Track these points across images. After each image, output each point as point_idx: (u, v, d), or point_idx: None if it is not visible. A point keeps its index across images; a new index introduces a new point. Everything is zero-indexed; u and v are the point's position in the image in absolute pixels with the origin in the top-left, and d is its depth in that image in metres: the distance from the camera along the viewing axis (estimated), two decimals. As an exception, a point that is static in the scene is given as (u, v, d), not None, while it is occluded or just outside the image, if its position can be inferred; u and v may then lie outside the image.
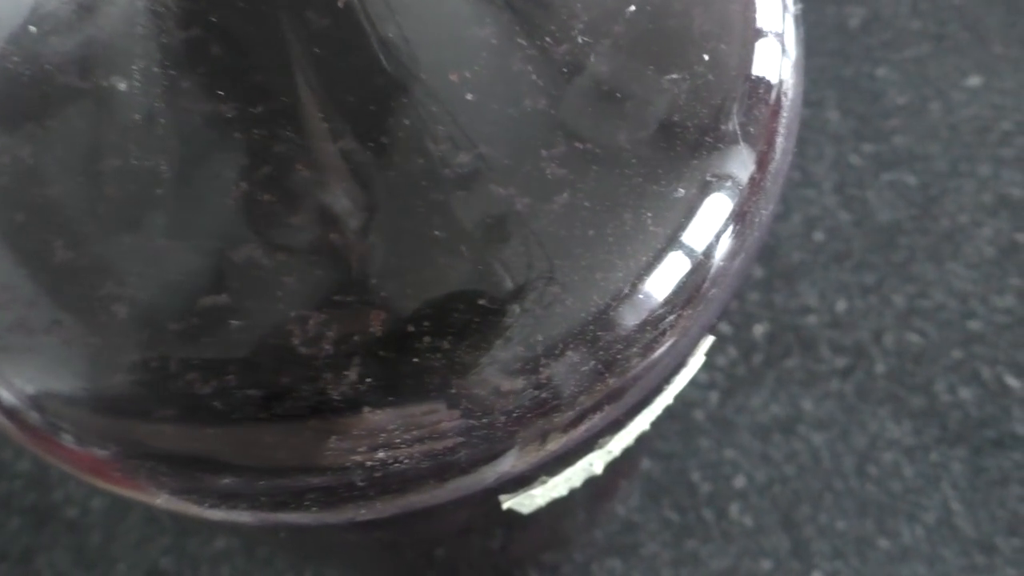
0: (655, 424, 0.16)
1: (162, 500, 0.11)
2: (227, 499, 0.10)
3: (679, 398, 0.28)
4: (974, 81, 0.33)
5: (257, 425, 0.10)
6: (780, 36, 0.12)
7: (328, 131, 0.10)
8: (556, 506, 0.15)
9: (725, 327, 0.31)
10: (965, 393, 0.29)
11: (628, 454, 0.16)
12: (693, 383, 0.30)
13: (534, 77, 0.10)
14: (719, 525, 0.28)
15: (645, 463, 0.29)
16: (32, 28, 0.10)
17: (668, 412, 0.20)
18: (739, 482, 0.29)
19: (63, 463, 0.11)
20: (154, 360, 0.10)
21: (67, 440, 0.11)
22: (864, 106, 0.33)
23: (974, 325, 0.30)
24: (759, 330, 0.31)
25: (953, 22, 0.34)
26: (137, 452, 0.10)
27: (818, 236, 0.32)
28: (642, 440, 0.16)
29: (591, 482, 0.15)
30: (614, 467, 0.16)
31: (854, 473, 0.29)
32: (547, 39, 0.10)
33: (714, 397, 0.30)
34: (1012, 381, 0.29)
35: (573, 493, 0.15)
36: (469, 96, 0.10)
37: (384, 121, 0.10)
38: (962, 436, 0.29)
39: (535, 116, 0.10)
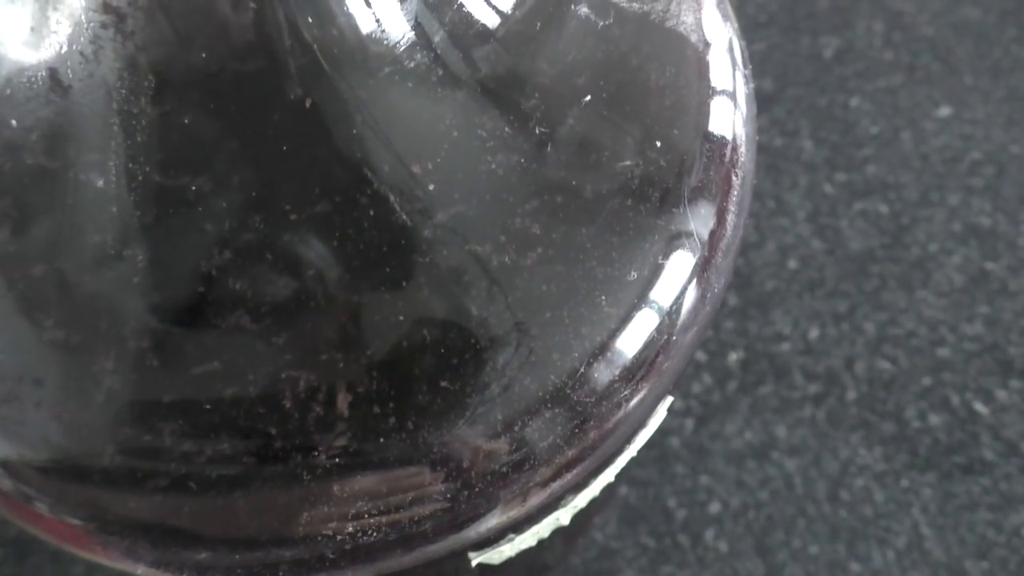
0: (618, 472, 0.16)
1: (141, 571, 0.11)
2: (202, 571, 0.11)
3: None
4: (945, 111, 0.34)
5: (229, 499, 0.10)
6: (734, 112, 0.13)
7: (298, 207, 0.11)
8: (529, 551, 0.16)
9: (700, 355, 0.32)
10: (935, 419, 0.30)
11: (595, 501, 0.16)
12: (669, 411, 0.31)
13: (493, 167, 0.11)
14: (695, 551, 0.29)
15: (622, 490, 0.30)
16: (11, 121, 0.10)
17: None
18: (714, 508, 0.30)
19: (37, 531, 0.12)
20: (127, 433, 0.11)
21: (40, 508, 0.11)
22: (837, 135, 0.34)
23: (943, 352, 0.31)
24: (733, 358, 0.31)
25: (925, 53, 0.35)
26: (110, 524, 0.11)
27: (792, 264, 0.33)
28: (608, 489, 0.17)
29: (560, 530, 0.16)
30: (582, 513, 0.16)
31: (826, 498, 0.29)
32: (506, 129, 0.11)
33: (689, 424, 0.31)
34: (980, 407, 0.30)
35: (542, 541, 0.16)
36: (431, 187, 0.11)
37: (350, 207, 0.11)
38: (932, 462, 0.30)
39: (495, 205, 0.11)
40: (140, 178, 0.10)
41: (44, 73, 0.10)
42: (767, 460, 0.30)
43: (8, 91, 0.10)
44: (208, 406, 0.11)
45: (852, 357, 0.31)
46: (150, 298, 0.11)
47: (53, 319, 0.11)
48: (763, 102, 0.35)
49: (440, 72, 0.11)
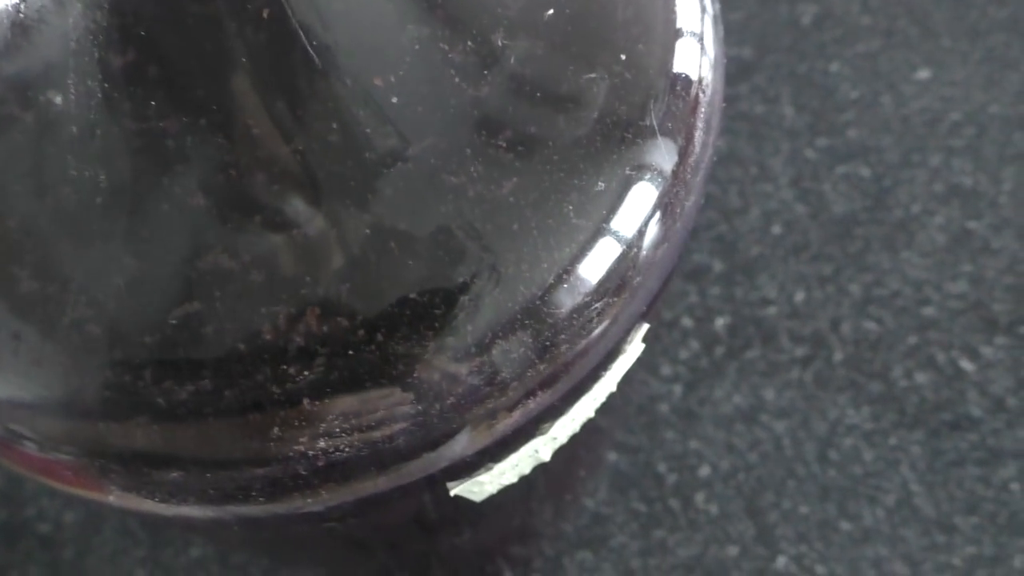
0: (602, 411, 0.16)
1: (113, 497, 0.11)
2: (175, 493, 0.11)
3: (642, 392, 0.29)
4: (924, 74, 0.34)
5: (199, 419, 0.10)
6: (699, 35, 0.13)
7: (261, 137, 0.11)
8: (511, 495, 0.16)
9: (687, 321, 0.32)
10: (921, 378, 0.30)
11: (578, 442, 0.16)
12: (657, 376, 0.31)
13: (456, 80, 0.11)
14: (686, 514, 0.29)
15: (612, 456, 0.30)
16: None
17: (631, 407, 0.21)
18: (704, 472, 0.30)
19: (10, 462, 0.12)
20: (98, 362, 0.11)
21: (14, 440, 0.11)
22: (818, 101, 0.34)
23: (928, 311, 0.31)
24: (720, 323, 0.31)
25: (902, 17, 0.35)
26: (84, 451, 0.11)
27: (776, 229, 0.33)
28: (592, 429, 0.16)
29: (543, 470, 0.16)
30: (566, 455, 0.16)
31: (815, 459, 0.30)
32: (468, 42, 0.11)
33: (678, 390, 0.31)
34: (966, 365, 0.30)
35: (526, 481, 0.16)
36: (394, 99, 0.11)
37: (317, 122, 0.11)
38: (919, 420, 0.30)
39: (457, 117, 0.11)
40: (99, 97, 0.10)
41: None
42: (756, 423, 0.30)
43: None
44: (172, 328, 0.10)
45: (838, 319, 0.31)
46: (114, 231, 0.11)
47: (25, 263, 0.11)
48: (743, 70, 0.35)
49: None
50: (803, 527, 0.29)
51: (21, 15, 0.10)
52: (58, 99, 0.10)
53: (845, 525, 0.29)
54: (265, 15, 0.10)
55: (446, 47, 0.11)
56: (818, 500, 0.29)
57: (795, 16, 0.36)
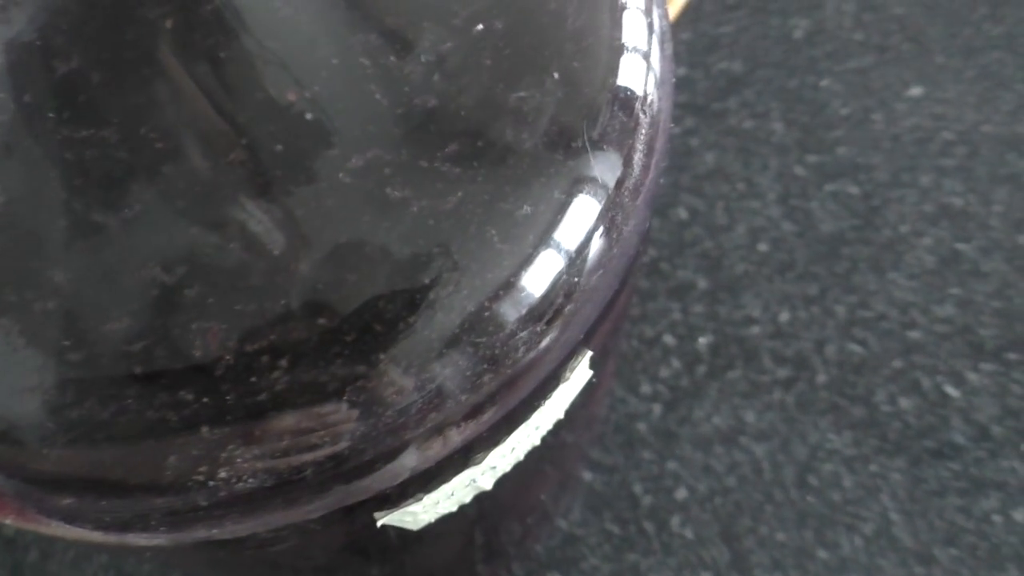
0: (566, 433, 0.16)
1: (11, 519, 0.11)
2: (71, 519, 0.10)
3: (620, 411, 0.28)
4: (916, 91, 0.34)
5: (96, 445, 0.10)
6: (644, 53, 0.12)
7: (195, 148, 0.10)
8: (458, 521, 0.15)
9: (669, 338, 0.31)
10: (905, 403, 0.30)
11: (530, 468, 0.16)
12: (636, 395, 0.30)
13: (377, 96, 0.10)
14: (660, 538, 0.28)
15: (587, 476, 0.29)
16: None
17: (590, 423, 0.20)
18: (681, 494, 0.29)
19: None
20: (7, 381, 0.10)
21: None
22: (808, 117, 0.34)
23: (914, 335, 0.30)
24: (703, 342, 0.31)
25: (896, 33, 0.35)
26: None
27: (762, 247, 0.32)
28: (544, 454, 0.16)
29: (491, 496, 0.15)
30: (516, 482, 0.16)
31: (794, 484, 0.29)
32: (392, 57, 0.10)
33: (657, 409, 0.30)
34: (951, 390, 0.30)
35: (473, 508, 0.15)
36: (309, 115, 0.10)
37: (252, 134, 0.10)
38: (901, 446, 0.29)
39: (377, 134, 0.10)
40: (40, 125, 0.10)
41: None
42: (735, 445, 0.30)
43: None
44: (79, 349, 0.10)
45: (822, 340, 0.31)
46: (50, 251, 0.10)
47: None
48: (732, 84, 0.34)
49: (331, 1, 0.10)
50: (779, 554, 0.28)
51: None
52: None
53: (822, 553, 0.28)
54: (201, 25, 0.09)
55: (368, 61, 0.10)
56: (795, 527, 0.28)
57: (787, 30, 0.35)
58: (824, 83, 0.34)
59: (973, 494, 0.28)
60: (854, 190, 0.32)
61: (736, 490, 0.29)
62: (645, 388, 0.31)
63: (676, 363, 0.31)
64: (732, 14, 0.35)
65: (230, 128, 0.10)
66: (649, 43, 0.12)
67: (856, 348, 0.30)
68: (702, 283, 0.32)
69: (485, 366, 0.11)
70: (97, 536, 0.11)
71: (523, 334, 0.11)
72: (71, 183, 0.10)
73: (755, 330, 0.31)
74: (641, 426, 0.30)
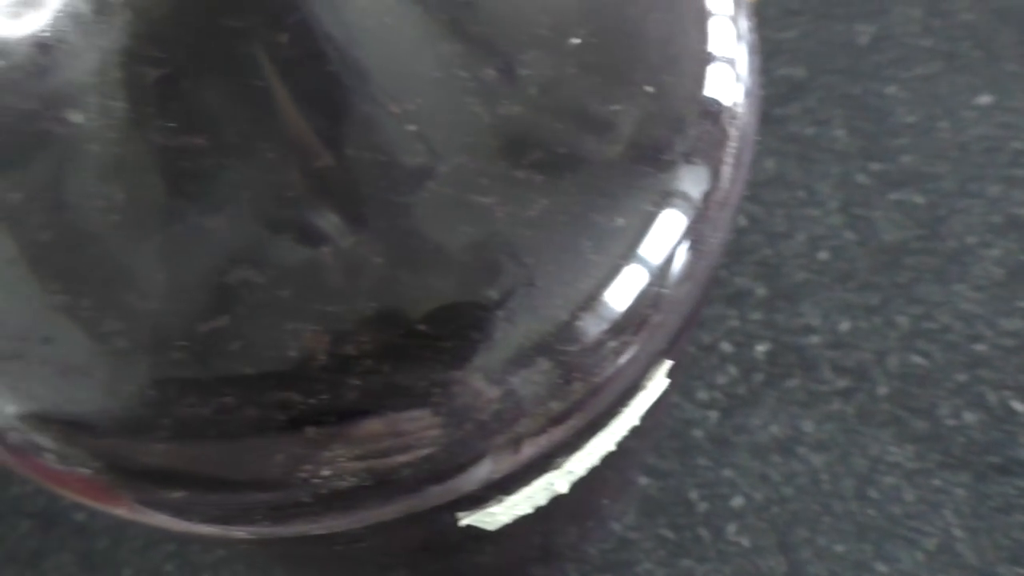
0: (632, 439, 0.16)
1: (124, 510, 0.11)
2: (181, 512, 0.11)
3: (676, 417, 0.28)
4: (984, 100, 0.33)
5: (206, 441, 0.10)
6: (732, 64, 0.12)
7: (289, 154, 0.10)
8: (529, 522, 0.16)
9: (726, 346, 0.31)
10: (969, 417, 0.29)
11: (599, 473, 0.16)
12: (692, 402, 0.30)
13: (476, 108, 0.11)
14: (715, 545, 0.28)
15: (643, 481, 0.29)
16: None
17: (653, 429, 0.20)
18: (737, 502, 0.29)
19: (28, 472, 0.12)
20: (118, 377, 0.11)
21: (33, 451, 0.11)
22: (872, 125, 0.33)
23: (980, 348, 0.30)
24: (760, 349, 0.31)
25: (964, 40, 0.34)
26: (91, 465, 0.11)
27: (822, 255, 0.32)
28: (617, 456, 0.16)
29: (562, 499, 0.15)
30: (587, 486, 0.16)
31: (853, 496, 0.29)
32: (490, 70, 0.11)
33: (713, 416, 0.30)
34: (1018, 406, 0.29)
35: (544, 510, 0.15)
36: (412, 127, 0.10)
37: (345, 141, 0.10)
38: (965, 461, 0.28)
39: (476, 146, 0.11)
40: (136, 132, 0.10)
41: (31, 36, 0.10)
42: (792, 455, 0.29)
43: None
44: (187, 349, 0.10)
45: (884, 351, 0.30)
46: (140, 249, 0.11)
47: (58, 276, 0.11)
48: (795, 90, 0.34)
49: (422, 8, 0.11)
50: (837, 566, 0.28)
51: (45, 34, 0.10)
52: (80, 118, 0.10)
53: (881, 567, 0.28)
54: (296, 36, 0.10)
55: (467, 74, 0.11)
56: (854, 539, 0.28)
57: (851, 36, 0.35)
58: (889, 90, 0.34)
59: (1040, 512, 0.27)
60: (919, 199, 0.32)
61: (793, 500, 0.29)
62: (702, 395, 0.31)
63: (733, 370, 0.31)
64: (795, 19, 0.35)
65: (324, 135, 0.10)
66: (737, 53, 0.12)
67: (919, 360, 0.30)
68: (760, 290, 0.32)
69: (576, 374, 0.11)
70: (202, 528, 0.11)
71: (612, 344, 0.11)
72: (171, 188, 0.11)
73: (814, 339, 0.31)
74: (697, 432, 0.30)
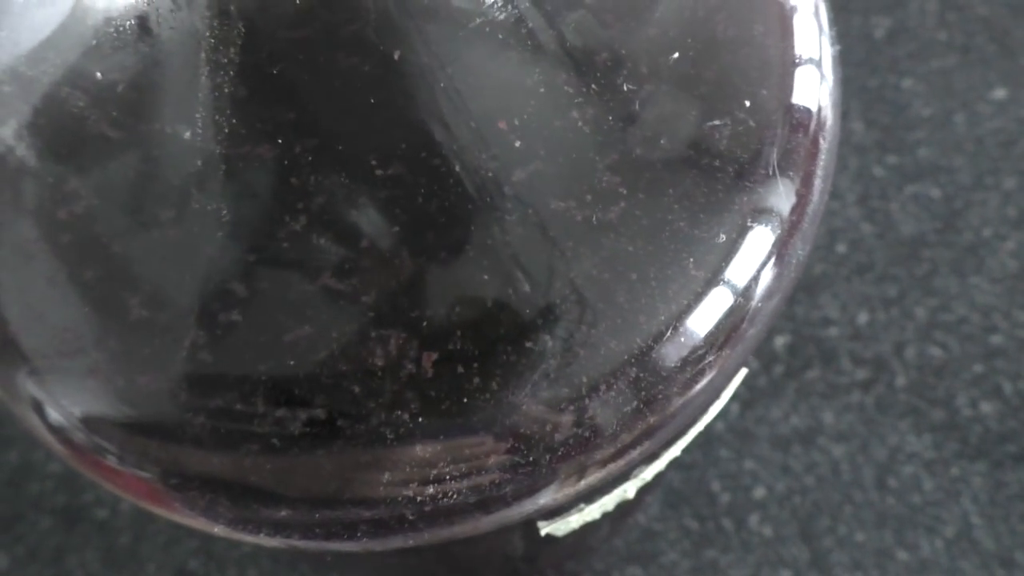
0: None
1: (218, 529, 0.11)
2: (280, 528, 0.11)
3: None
4: (1000, 93, 0.33)
5: (311, 457, 0.10)
6: (820, 73, 0.12)
7: (381, 175, 0.10)
8: (592, 526, 0.16)
9: (746, 338, 0.31)
10: (986, 407, 0.30)
11: (659, 477, 0.16)
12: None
13: (580, 124, 0.11)
14: (738, 535, 0.29)
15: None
16: (98, 74, 0.10)
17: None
18: (759, 493, 0.29)
19: (113, 486, 0.12)
20: (204, 387, 0.11)
21: (113, 462, 0.11)
22: (888, 117, 0.33)
23: (996, 339, 0.30)
24: (780, 342, 0.31)
25: (980, 34, 0.34)
26: (191, 480, 0.11)
27: (840, 248, 0.32)
28: (672, 463, 0.16)
29: (624, 504, 0.15)
30: (644, 489, 0.16)
31: (874, 486, 0.29)
32: (592, 87, 0.11)
33: (734, 408, 0.30)
34: (1034, 396, 0.30)
35: (608, 514, 0.15)
36: (517, 143, 0.10)
37: (436, 164, 0.10)
38: (983, 450, 0.29)
39: (580, 163, 0.11)
40: (226, 131, 0.10)
41: (132, 21, 0.10)
42: (813, 446, 0.30)
43: (94, 41, 0.10)
44: (290, 367, 0.10)
45: (902, 343, 0.31)
46: (233, 259, 0.11)
47: (130, 277, 0.11)
48: (812, 83, 0.34)
49: (527, 27, 0.10)
50: (859, 554, 0.28)
51: (145, 47, 0.10)
52: (187, 133, 0.10)
53: (902, 555, 0.28)
54: (396, 56, 0.10)
55: (572, 91, 0.11)
56: (875, 528, 0.28)
57: (868, 29, 0.35)
58: (905, 83, 0.34)
59: (1057, 500, 0.28)
60: (935, 192, 0.32)
61: (814, 490, 0.29)
62: (722, 387, 0.31)
63: (754, 362, 0.31)
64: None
65: (415, 149, 0.10)
66: (824, 56, 0.12)
67: (936, 351, 0.30)
68: (779, 283, 0.32)
69: (674, 388, 0.11)
70: (301, 544, 0.11)
71: (709, 358, 0.11)
72: (248, 195, 0.11)
73: (833, 331, 0.31)
74: (719, 424, 0.30)
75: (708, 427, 0.30)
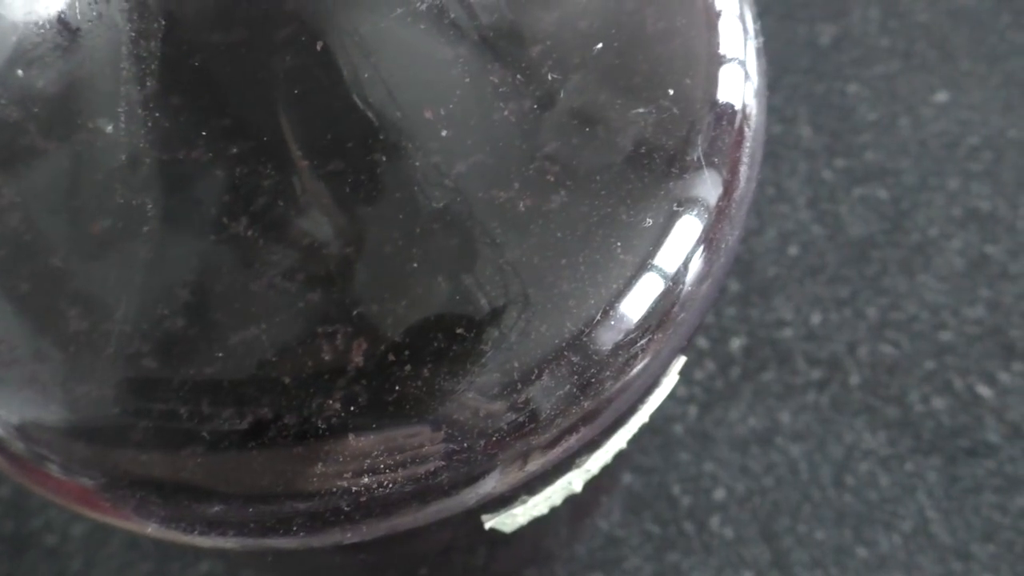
0: (632, 440, 0.16)
1: (151, 529, 0.11)
2: (215, 526, 0.11)
3: (658, 413, 0.29)
4: (942, 97, 0.34)
5: (243, 453, 0.10)
6: (743, 64, 0.13)
7: (307, 167, 0.10)
8: (537, 523, 0.16)
9: (703, 341, 0.31)
10: (938, 403, 0.30)
11: (606, 471, 0.16)
12: (672, 397, 0.31)
13: (506, 113, 0.11)
14: (700, 537, 0.29)
15: (626, 478, 0.30)
16: (18, 71, 0.10)
17: (646, 428, 0.20)
18: (719, 495, 0.29)
19: (49, 493, 0.11)
20: (139, 390, 0.10)
21: (52, 469, 0.11)
22: (836, 122, 0.34)
23: (945, 336, 0.31)
24: (736, 344, 0.31)
25: (921, 40, 0.35)
26: (123, 481, 0.11)
27: (793, 250, 0.33)
28: (620, 456, 0.16)
29: (571, 499, 0.15)
30: (594, 484, 0.16)
31: (831, 483, 0.29)
32: (518, 76, 0.11)
33: (693, 411, 0.31)
34: (983, 390, 0.30)
35: (554, 510, 0.15)
36: (444, 132, 0.10)
37: (362, 154, 0.10)
38: (936, 445, 0.30)
39: (507, 151, 0.11)
40: (151, 125, 0.10)
41: (52, 16, 0.10)
42: (771, 446, 0.30)
43: (14, 38, 0.10)
44: (220, 362, 0.10)
45: (854, 342, 0.31)
46: (160, 255, 0.11)
47: (73, 289, 0.11)
48: (761, 90, 0.35)
49: (451, 17, 0.11)
50: (818, 552, 0.28)
51: (66, 43, 0.10)
52: (108, 127, 0.10)
53: (861, 551, 0.28)
54: (318, 47, 0.10)
55: (497, 80, 0.11)
56: (834, 525, 0.29)
57: (813, 37, 0.36)
58: (851, 88, 0.35)
59: (1009, 491, 0.29)
60: (883, 194, 0.33)
61: (774, 490, 0.29)
62: (680, 390, 0.31)
63: (710, 365, 0.31)
64: (759, 21, 0.36)
65: (338, 141, 0.10)
66: (747, 52, 0.13)
67: (888, 349, 0.31)
68: (734, 286, 0.32)
69: (606, 373, 0.11)
70: (237, 542, 0.11)
71: (641, 341, 0.11)
72: (191, 196, 0.11)
73: (787, 332, 0.31)
74: (678, 428, 0.30)
75: (665, 432, 0.30)
